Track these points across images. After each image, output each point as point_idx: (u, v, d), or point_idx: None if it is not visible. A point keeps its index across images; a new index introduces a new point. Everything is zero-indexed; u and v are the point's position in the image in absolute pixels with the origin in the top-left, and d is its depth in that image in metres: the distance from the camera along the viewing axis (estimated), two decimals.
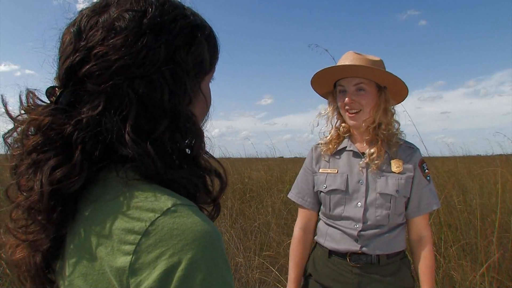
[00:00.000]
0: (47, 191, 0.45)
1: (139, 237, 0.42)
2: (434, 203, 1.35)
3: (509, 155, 4.24)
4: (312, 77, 1.42)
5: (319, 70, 1.38)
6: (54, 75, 0.52)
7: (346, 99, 1.33)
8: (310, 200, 1.46)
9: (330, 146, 1.43)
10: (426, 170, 1.37)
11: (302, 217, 1.49)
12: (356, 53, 1.37)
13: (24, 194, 0.47)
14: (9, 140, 0.51)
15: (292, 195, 1.51)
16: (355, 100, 1.33)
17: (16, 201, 0.49)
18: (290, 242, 1.51)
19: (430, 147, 4.46)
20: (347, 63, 1.34)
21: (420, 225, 1.35)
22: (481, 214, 2.98)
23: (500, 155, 4.55)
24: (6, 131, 0.51)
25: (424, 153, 3.06)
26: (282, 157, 7.91)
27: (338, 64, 1.36)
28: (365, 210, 1.31)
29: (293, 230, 1.52)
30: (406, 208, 1.35)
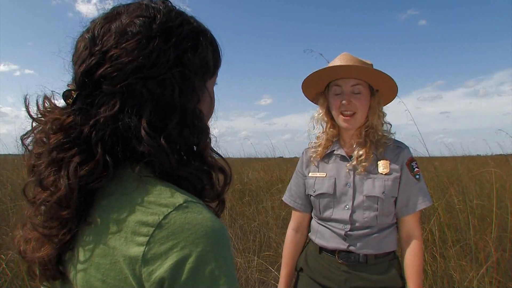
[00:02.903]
0: (75, 187, 0.47)
1: (152, 229, 0.45)
2: (423, 202, 1.33)
3: (509, 155, 4.24)
4: (307, 77, 1.41)
5: (318, 69, 1.37)
6: (70, 79, 0.55)
7: (344, 100, 1.33)
8: (301, 202, 1.50)
9: (320, 150, 1.45)
10: (416, 169, 1.36)
11: (294, 219, 1.55)
12: (351, 55, 1.38)
13: (51, 189, 0.49)
14: (26, 142, 0.54)
15: (285, 198, 1.57)
16: (351, 102, 1.33)
17: (38, 198, 0.50)
18: None
19: (429, 147, 4.46)
20: (343, 63, 1.34)
21: (409, 224, 1.34)
22: (480, 214, 2.98)
23: (500, 155, 4.55)
24: (24, 132, 0.54)
25: (424, 153, 3.06)
26: (282, 157, 7.91)
27: (334, 64, 1.35)
28: (352, 212, 1.33)
29: None
30: (395, 206, 1.35)
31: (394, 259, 1.37)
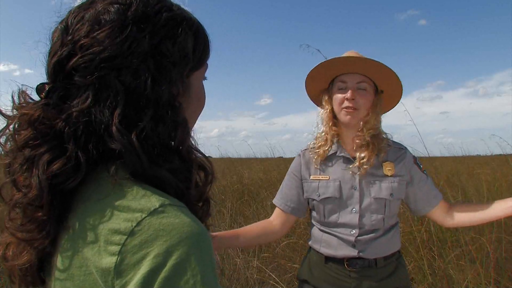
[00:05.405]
0: (45, 185, 0.44)
1: (124, 237, 0.41)
2: (439, 195, 1.37)
3: (509, 155, 4.24)
4: (313, 69, 1.36)
5: (323, 61, 1.33)
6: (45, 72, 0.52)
7: (348, 94, 1.29)
8: (293, 206, 1.43)
9: (320, 151, 1.38)
10: (421, 166, 1.38)
11: (278, 216, 1.46)
12: (359, 53, 1.35)
13: (22, 191, 0.46)
14: (1, 139, 0.50)
15: (276, 200, 1.49)
16: (355, 97, 1.29)
17: (13, 199, 0.48)
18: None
19: (429, 147, 4.46)
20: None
21: (444, 207, 1.36)
22: None
23: (500, 155, 4.55)
24: None
25: (424, 153, 3.06)
26: (281, 157, 7.91)
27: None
28: (361, 216, 1.31)
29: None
30: (416, 205, 1.37)
31: (400, 257, 1.37)
